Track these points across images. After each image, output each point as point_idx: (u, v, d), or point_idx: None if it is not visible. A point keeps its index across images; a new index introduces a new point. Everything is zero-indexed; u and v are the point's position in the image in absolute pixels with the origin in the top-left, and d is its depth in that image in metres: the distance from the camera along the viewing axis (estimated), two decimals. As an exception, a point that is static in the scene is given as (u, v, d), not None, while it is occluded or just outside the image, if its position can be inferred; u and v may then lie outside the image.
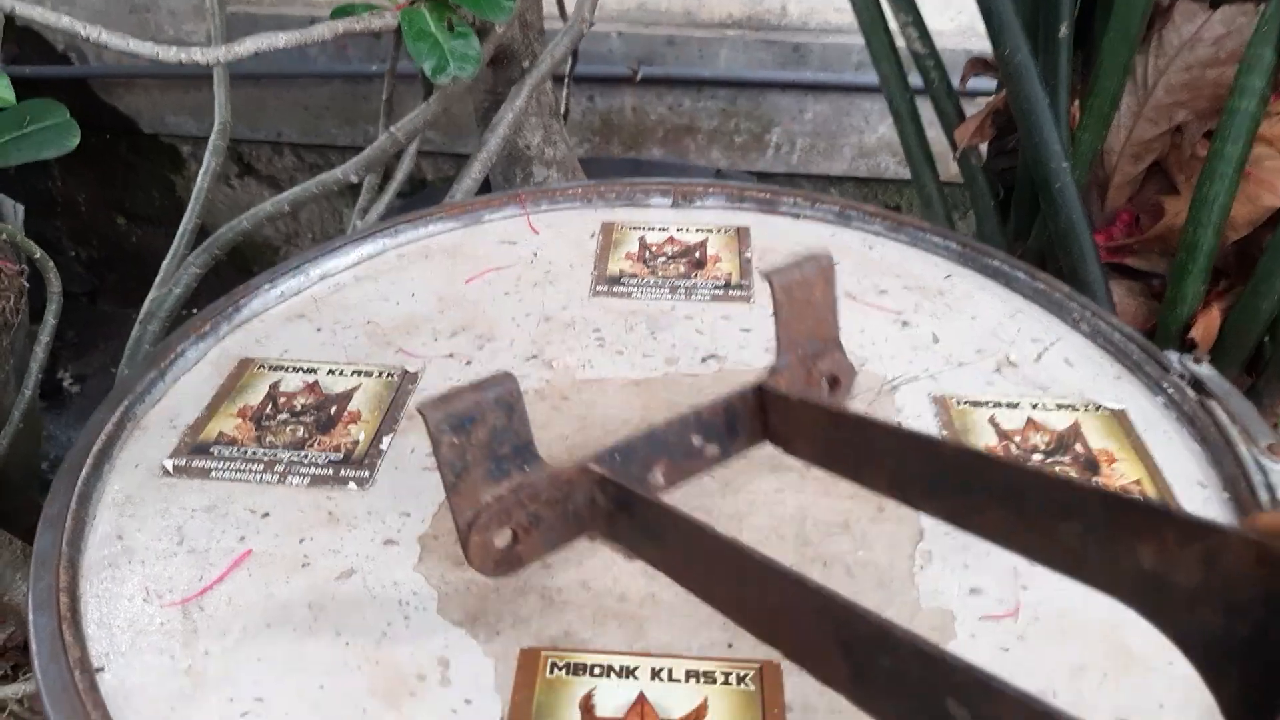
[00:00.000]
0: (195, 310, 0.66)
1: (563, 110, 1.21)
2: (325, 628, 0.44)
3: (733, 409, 0.49)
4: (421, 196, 1.64)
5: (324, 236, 2.03)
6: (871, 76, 1.70)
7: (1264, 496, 0.50)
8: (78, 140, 0.78)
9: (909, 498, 0.42)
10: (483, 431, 0.42)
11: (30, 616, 0.43)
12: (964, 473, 0.38)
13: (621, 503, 0.43)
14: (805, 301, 0.50)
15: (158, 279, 1.05)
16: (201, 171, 1.05)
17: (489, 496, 0.43)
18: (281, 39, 0.80)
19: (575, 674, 0.42)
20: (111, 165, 2.03)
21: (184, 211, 1.06)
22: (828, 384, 0.53)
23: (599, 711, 0.41)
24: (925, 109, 1.05)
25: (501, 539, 0.44)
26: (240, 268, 1.94)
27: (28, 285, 1.10)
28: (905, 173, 1.76)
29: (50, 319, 0.97)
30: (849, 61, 1.68)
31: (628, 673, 0.42)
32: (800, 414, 0.47)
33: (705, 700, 0.41)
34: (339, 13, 0.84)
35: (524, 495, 0.43)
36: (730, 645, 0.43)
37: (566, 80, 1.23)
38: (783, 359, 0.50)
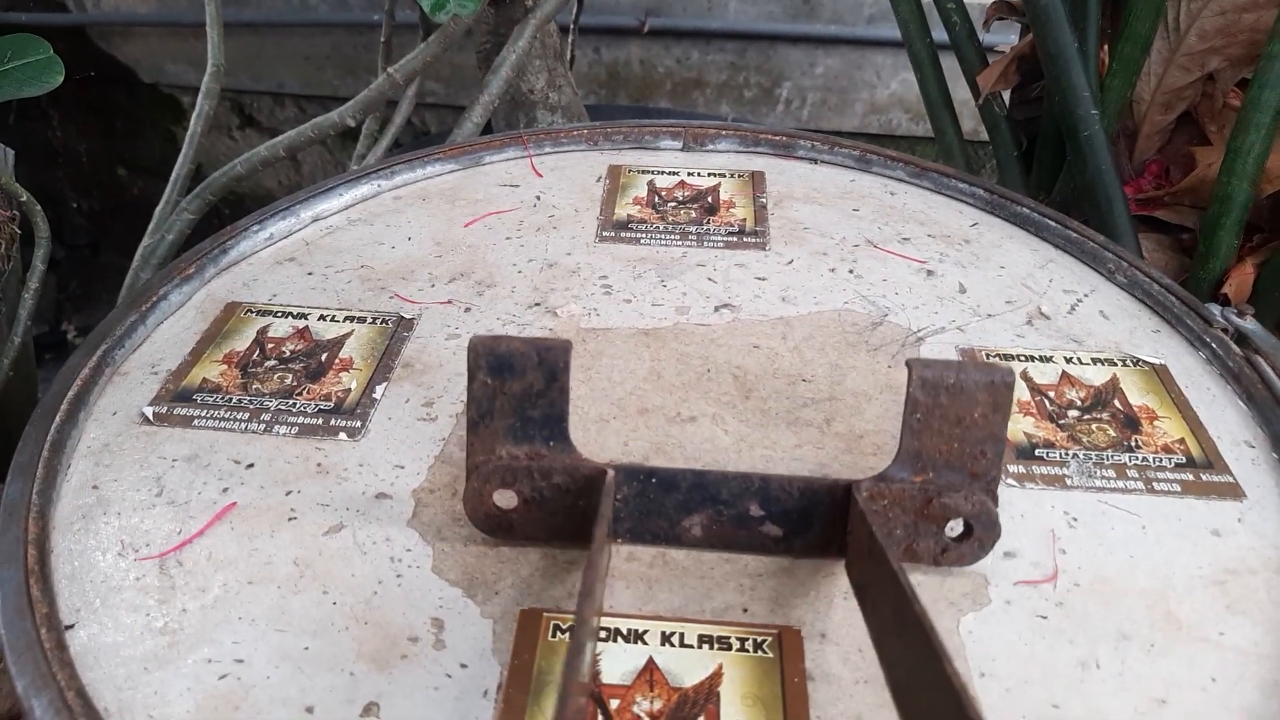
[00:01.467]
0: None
1: (568, 57, 1.16)
2: (311, 585, 0.41)
3: (811, 493, 0.41)
4: (422, 142, 1.60)
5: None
6: (884, 30, 1.67)
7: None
8: (61, 77, 0.75)
9: None
10: (518, 385, 0.40)
11: (-5, 570, 0.41)
12: None
13: (617, 516, 0.41)
14: (955, 416, 0.39)
15: (151, 225, 1.02)
16: (195, 115, 1.01)
17: (503, 451, 0.41)
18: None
19: (579, 638, 0.39)
20: (111, 116, 1.99)
21: (183, 161, 1.02)
22: (962, 529, 0.41)
23: (605, 678, 0.38)
24: (945, 62, 1.00)
25: (503, 499, 0.42)
26: (240, 221, 1.90)
27: (19, 232, 1.07)
28: (918, 130, 1.71)
29: (38, 264, 0.93)
30: (861, 15, 1.63)
31: (636, 637, 0.39)
32: (873, 551, 0.38)
33: (720, 667, 0.38)
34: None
35: (536, 468, 0.41)
36: (746, 610, 0.41)
37: (572, 27, 1.19)
38: (898, 470, 0.40)
